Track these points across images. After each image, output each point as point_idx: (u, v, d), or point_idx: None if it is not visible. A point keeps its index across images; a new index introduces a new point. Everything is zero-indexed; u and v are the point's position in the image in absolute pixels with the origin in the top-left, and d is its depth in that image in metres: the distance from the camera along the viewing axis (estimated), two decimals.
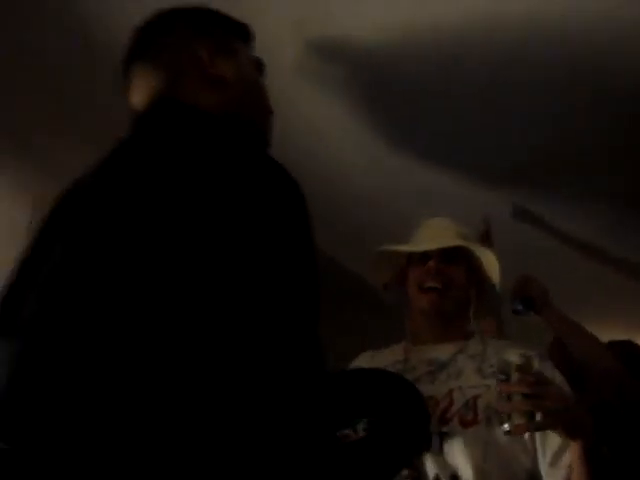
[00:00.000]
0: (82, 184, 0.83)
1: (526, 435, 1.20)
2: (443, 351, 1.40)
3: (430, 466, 1.24)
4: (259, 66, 1.04)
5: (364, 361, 1.50)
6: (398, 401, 1.23)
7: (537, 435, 1.24)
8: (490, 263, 1.48)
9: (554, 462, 1.23)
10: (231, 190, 0.73)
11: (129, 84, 0.98)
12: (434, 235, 1.49)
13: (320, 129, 1.97)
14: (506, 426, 1.12)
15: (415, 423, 1.22)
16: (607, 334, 2.13)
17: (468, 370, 1.36)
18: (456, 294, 1.44)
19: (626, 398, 2.01)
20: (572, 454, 1.19)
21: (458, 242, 1.46)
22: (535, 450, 1.25)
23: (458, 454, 1.23)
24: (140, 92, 0.95)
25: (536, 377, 1.16)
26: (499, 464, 1.23)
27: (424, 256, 1.46)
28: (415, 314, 1.47)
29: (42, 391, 0.65)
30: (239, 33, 1.01)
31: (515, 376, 1.15)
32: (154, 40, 0.98)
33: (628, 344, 2.31)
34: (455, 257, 1.45)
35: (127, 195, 0.74)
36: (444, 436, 1.26)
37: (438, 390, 1.31)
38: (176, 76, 0.93)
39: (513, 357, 1.25)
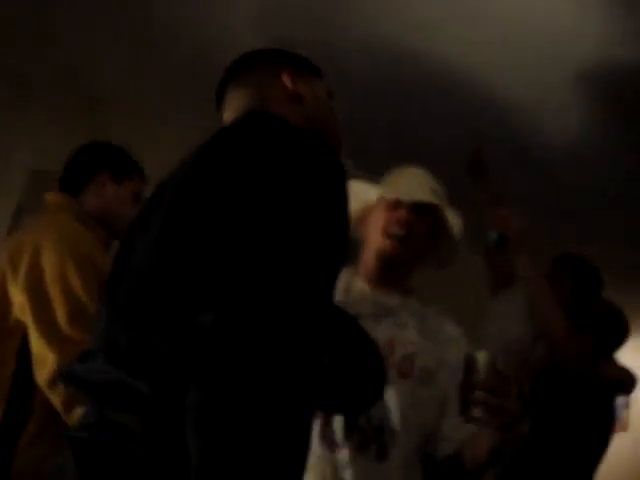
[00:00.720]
0: (170, 177, 0.96)
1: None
2: (389, 299, 1.45)
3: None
4: (330, 94, 1.19)
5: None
6: (353, 340, 1.18)
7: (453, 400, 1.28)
8: (454, 224, 1.51)
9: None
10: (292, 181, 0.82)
11: (223, 105, 1.16)
12: (410, 185, 1.50)
13: None
14: (474, 414, 1.17)
15: (375, 370, 1.21)
16: None
17: (410, 326, 1.43)
18: (415, 246, 1.47)
19: (569, 367, 2.04)
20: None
21: (433, 199, 1.48)
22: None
23: (390, 400, 1.31)
24: (232, 109, 1.12)
25: (501, 377, 1.19)
26: (417, 414, 1.34)
27: (396, 203, 1.47)
28: (369, 253, 1.49)
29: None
30: (312, 69, 1.18)
31: (484, 369, 1.19)
32: (245, 67, 1.16)
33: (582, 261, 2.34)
34: (425, 211, 1.47)
35: (207, 185, 0.85)
36: None
37: (381, 335, 1.33)
38: (263, 94, 1.10)
39: (455, 341, 1.41)
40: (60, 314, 1.47)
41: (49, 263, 1.51)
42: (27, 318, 1.51)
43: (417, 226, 1.46)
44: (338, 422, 1.30)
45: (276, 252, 0.77)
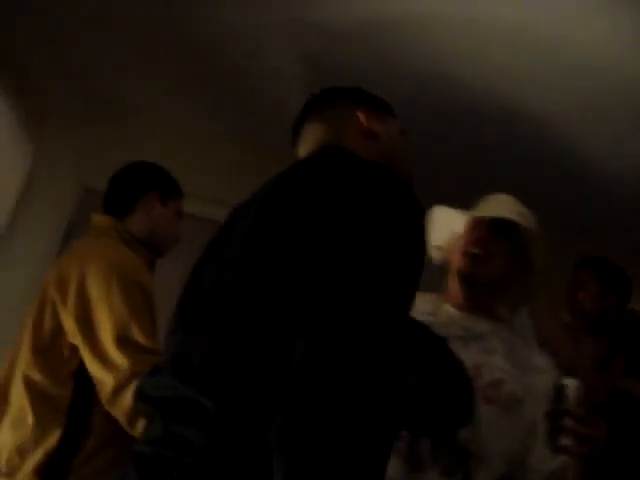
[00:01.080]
0: (246, 205, 0.99)
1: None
2: (478, 324, 1.41)
3: None
4: (403, 133, 1.21)
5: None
6: (441, 360, 1.20)
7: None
8: (540, 248, 1.44)
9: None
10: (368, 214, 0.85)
11: (298, 140, 1.20)
12: (492, 206, 1.47)
13: None
14: (561, 442, 1.13)
15: (461, 391, 1.21)
16: None
17: (498, 352, 1.38)
18: (494, 265, 1.41)
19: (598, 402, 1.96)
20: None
21: (511, 216, 1.41)
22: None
23: (474, 425, 1.26)
24: (307, 144, 1.16)
25: (589, 406, 1.16)
26: (502, 443, 1.29)
27: (477, 223, 1.45)
28: (453, 277, 1.47)
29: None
30: (386, 108, 1.21)
31: (573, 397, 1.16)
32: (321, 105, 1.20)
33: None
34: (506, 230, 1.42)
35: (279, 212, 0.89)
36: None
37: (468, 359, 1.29)
38: (338, 130, 1.13)
39: (543, 372, 1.35)
40: (106, 340, 1.50)
41: (95, 289, 1.54)
42: (79, 343, 1.54)
43: (495, 245, 1.41)
44: (425, 443, 1.27)
45: (360, 280, 0.79)
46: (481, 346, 1.37)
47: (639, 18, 1.86)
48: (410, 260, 0.85)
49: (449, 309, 1.44)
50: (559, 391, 1.16)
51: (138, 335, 1.49)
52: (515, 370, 1.36)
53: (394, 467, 1.21)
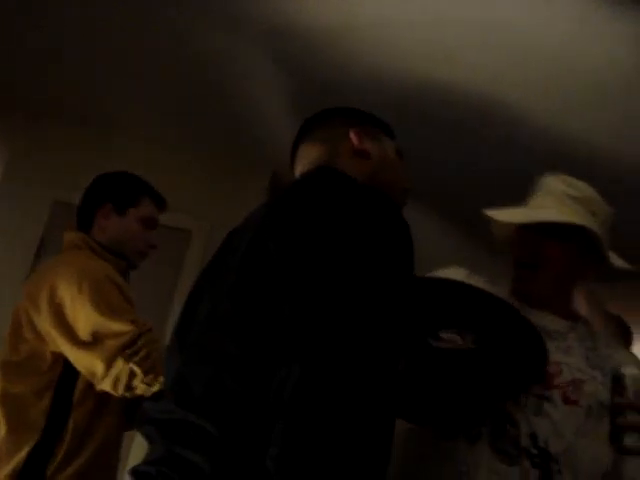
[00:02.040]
0: (242, 227, 1.02)
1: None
2: (554, 323, 1.27)
3: (527, 423, 1.16)
4: (399, 153, 1.23)
5: (457, 277, 1.33)
6: (515, 327, 1.15)
7: None
8: (603, 241, 1.26)
9: None
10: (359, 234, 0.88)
11: (295, 160, 1.22)
12: (542, 202, 1.30)
13: None
14: (625, 442, 1.02)
15: (534, 351, 1.15)
16: None
17: (577, 352, 1.25)
18: (551, 275, 1.27)
19: None
20: None
21: (556, 217, 1.25)
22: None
23: (555, 424, 1.16)
24: (302, 163, 1.19)
25: None
26: (587, 449, 1.17)
27: (521, 228, 1.29)
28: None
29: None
30: (384, 128, 1.23)
31: (633, 389, 1.06)
32: (315, 126, 1.22)
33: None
34: (559, 229, 1.25)
35: (276, 235, 0.91)
36: (545, 400, 1.18)
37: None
38: (331, 150, 1.15)
39: (629, 367, 1.19)
40: (84, 333, 1.55)
41: (67, 292, 1.59)
42: (60, 344, 1.59)
43: (547, 250, 1.26)
44: (509, 435, 1.16)
45: (349, 302, 0.81)
46: (557, 345, 1.23)
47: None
48: (397, 277, 0.87)
49: (524, 307, 1.28)
50: (618, 383, 1.05)
51: (115, 325, 1.54)
52: (595, 372, 1.23)
53: (482, 458, 1.14)
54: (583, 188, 1.28)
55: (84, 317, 1.55)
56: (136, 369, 1.49)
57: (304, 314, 0.82)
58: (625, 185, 2.65)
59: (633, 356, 1.30)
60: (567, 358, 1.23)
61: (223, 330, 0.90)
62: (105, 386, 1.53)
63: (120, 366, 1.50)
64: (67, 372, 1.60)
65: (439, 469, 1.16)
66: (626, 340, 2.28)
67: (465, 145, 2.72)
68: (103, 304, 1.56)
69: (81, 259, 1.71)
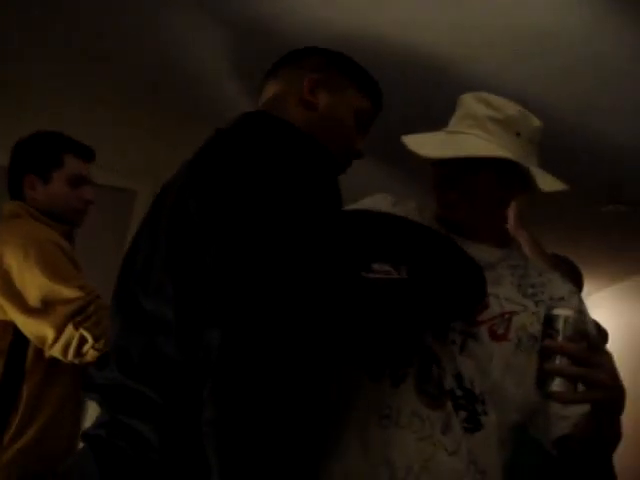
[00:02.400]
0: (171, 182, 1.01)
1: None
2: (483, 252, 1.20)
3: (452, 362, 1.12)
4: (361, 111, 1.16)
5: (384, 206, 1.28)
6: (448, 256, 1.11)
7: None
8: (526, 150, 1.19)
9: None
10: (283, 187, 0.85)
11: (260, 96, 1.20)
12: (458, 127, 1.21)
13: None
14: (552, 388, 0.95)
15: (470, 280, 1.09)
16: None
17: (507, 281, 1.20)
18: (478, 205, 1.20)
19: None
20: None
21: (474, 151, 1.16)
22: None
23: (480, 363, 1.12)
24: (261, 99, 1.18)
25: (591, 341, 0.96)
26: (515, 385, 1.12)
27: (433, 163, 1.21)
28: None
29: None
30: (358, 82, 1.17)
31: (566, 332, 0.96)
32: (286, 63, 1.18)
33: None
34: (475, 165, 1.17)
35: (202, 191, 0.88)
36: (469, 338, 1.13)
37: None
38: (285, 91, 1.13)
39: (562, 307, 1.08)
40: (34, 300, 1.53)
41: (14, 260, 1.56)
42: (9, 312, 1.57)
43: (469, 184, 1.18)
44: (433, 376, 1.11)
45: (273, 264, 0.80)
46: (488, 276, 1.14)
47: None
48: (326, 237, 0.85)
49: (448, 234, 1.22)
50: (549, 324, 0.97)
51: (64, 290, 1.52)
52: (528, 301, 1.18)
53: (406, 400, 1.10)
54: (505, 108, 1.19)
55: (32, 283, 1.53)
56: (87, 335, 1.48)
57: (225, 275, 0.81)
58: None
59: (566, 285, 1.24)
60: (496, 289, 1.17)
61: (157, 295, 0.89)
62: (55, 352, 1.52)
63: (70, 332, 1.49)
64: (17, 340, 1.57)
65: (363, 413, 1.12)
66: (577, 282, 2.34)
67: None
68: (50, 269, 1.54)
69: (24, 227, 1.67)
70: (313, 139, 0.98)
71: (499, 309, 1.15)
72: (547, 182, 1.19)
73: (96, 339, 1.47)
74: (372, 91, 1.19)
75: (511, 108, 1.19)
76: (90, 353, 1.48)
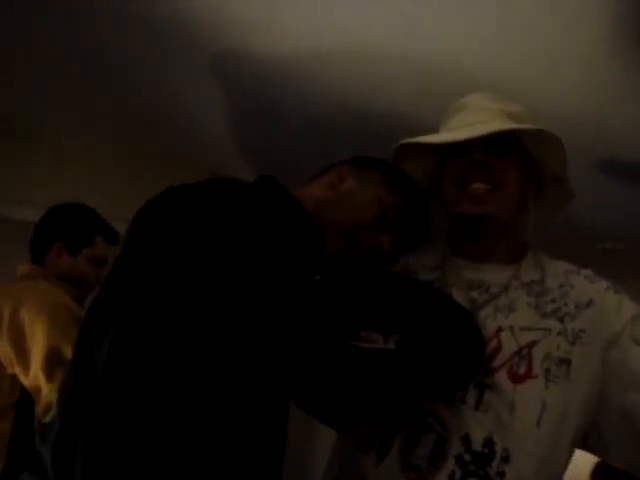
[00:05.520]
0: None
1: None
2: (491, 275, 1.09)
3: (460, 423, 0.99)
4: (381, 202, 1.10)
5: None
6: (446, 322, 1.01)
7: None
8: (555, 151, 1.09)
9: None
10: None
11: None
12: (474, 118, 1.11)
13: None
14: None
15: (466, 348, 0.99)
16: None
17: (522, 304, 1.06)
18: (506, 197, 1.08)
19: None
20: None
21: (510, 125, 1.07)
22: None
23: (503, 415, 0.98)
24: None
25: None
26: (554, 429, 1.00)
27: (465, 148, 1.08)
28: (454, 221, 1.14)
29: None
30: (387, 176, 1.13)
31: None
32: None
33: None
34: (506, 147, 1.08)
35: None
36: (485, 389, 1.00)
37: (482, 327, 1.02)
38: (318, 178, 1.15)
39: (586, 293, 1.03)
40: (36, 363, 1.60)
41: (27, 316, 1.65)
42: (16, 368, 1.64)
43: (501, 170, 1.08)
44: (425, 445, 0.99)
45: (168, 288, 0.79)
46: (498, 305, 1.06)
47: None
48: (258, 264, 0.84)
49: (458, 262, 1.13)
50: None
51: (69, 352, 1.57)
52: (550, 321, 1.05)
53: (387, 478, 1.00)
54: (514, 105, 1.14)
55: (40, 340, 1.60)
56: None
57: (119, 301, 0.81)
58: None
59: (594, 285, 1.10)
60: (510, 318, 1.05)
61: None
62: (39, 408, 1.57)
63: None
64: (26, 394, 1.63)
65: None
66: None
67: None
68: (59, 329, 1.61)
69: (39, 288, 1.75)
70: (295, 203, 0.99)
71: (515, 345, 1.02)
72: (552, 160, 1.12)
73: None
74: (404, 189, 1.13)
75: (521, 106, 1.14)
76: None
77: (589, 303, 1.06)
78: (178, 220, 0.84)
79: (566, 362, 1.02)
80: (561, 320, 1.05)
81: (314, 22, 1.66)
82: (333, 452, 1.13)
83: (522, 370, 1.01)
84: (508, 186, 1.08)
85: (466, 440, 0.98)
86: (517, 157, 1.09)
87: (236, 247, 0.82)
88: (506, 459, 0.97)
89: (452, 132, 1.10)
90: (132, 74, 2.12)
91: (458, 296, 1.07)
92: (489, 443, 0.98)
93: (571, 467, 1.06)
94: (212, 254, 0.81)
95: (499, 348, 1.02)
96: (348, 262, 1.07)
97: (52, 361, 1.57)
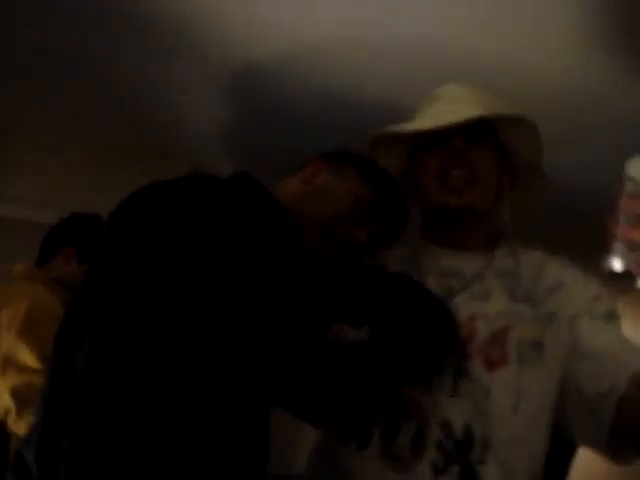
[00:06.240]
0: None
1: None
2: (467, 263, 1.10)
3: (439, 410, 0.99)
4: (355, 198, 1.12)
5: None
6: (418, 310, 1.02)
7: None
8: (530, 139, 1.10)
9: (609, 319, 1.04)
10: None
11: None
12: (450, 108, 1.10)
13: None
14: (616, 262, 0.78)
15: (438, 332, 1.00)
16: None
17: (496, 292, 1.07)
18: (486, 187, 1.09)
19: None
20: None
21: (490, 111, 1.07)
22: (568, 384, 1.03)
23: (479, 401, 0.99)
24: None
25: None
26: (531, 413, 1.01)
27: (443, 137, 1.07)
28: (430, 212, 1.16)
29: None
30: (367, 176, 1.15)
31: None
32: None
33: None
34: (483, 135, 1.09)
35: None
36: (460, 376, 1.01)
37: (456, 314, 1.01)
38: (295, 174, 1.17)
39: (556, 277, 1.05)
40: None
41: (5, 318, 1.67)
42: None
43: (478, 159, 1.08)
44: (406, 433, 1.00)
45: (144, 289, 0.82)
46: (473, 292, 1.07)
47: None
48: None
49: (433, 250, 1.14)
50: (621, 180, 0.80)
51: (27, 356, 1.60)
52: (524, 306, 1.06)
53: (369, 467, 1.00)
54: (489, 95, 1.14)
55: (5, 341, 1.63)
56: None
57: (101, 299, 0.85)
58: None
59: (562, 268, 1.13)
60: (485, 306, 1.05)
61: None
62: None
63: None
64: None
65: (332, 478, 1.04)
66: None
67: None
68: (29, 331, 1.63)
69: (29, 291, 1.76)
70: (269, 198, 1.01)
71: (489, 332, 1.03)
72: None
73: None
74: (378, 182, 1.15)
75: (491, 95, 1.15)
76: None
77: (560, 285, 1.10)
78: (154, 219, 0.87)
79: (539, 346, 1.03)
80: (533, 305, 1.07)
81: (294, 16, 1.66)
82: (315, 444, 1.14)
83: (496, 356, 1.02)
84: (487, 175, 1.10)
85: (446, 427, 0.99)
86: (494, 145, 1.11)
87: (210, 244, 0.84)
88: (486, 446, 0.98)
89: (428, 120, 1.10)
90: (116, 71, 2.12)
91: (433, 284, 1.07)
92: (468, 430, 0.98)
93: (579, 465, 1.06)
94: (187, 252, 0.82)
95: (473, 334, 1.03)
96: (324, 255, 1.09)
97: (6, 368, 1.59)
